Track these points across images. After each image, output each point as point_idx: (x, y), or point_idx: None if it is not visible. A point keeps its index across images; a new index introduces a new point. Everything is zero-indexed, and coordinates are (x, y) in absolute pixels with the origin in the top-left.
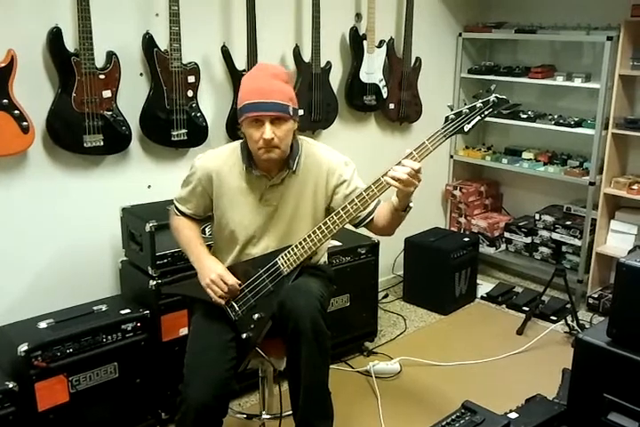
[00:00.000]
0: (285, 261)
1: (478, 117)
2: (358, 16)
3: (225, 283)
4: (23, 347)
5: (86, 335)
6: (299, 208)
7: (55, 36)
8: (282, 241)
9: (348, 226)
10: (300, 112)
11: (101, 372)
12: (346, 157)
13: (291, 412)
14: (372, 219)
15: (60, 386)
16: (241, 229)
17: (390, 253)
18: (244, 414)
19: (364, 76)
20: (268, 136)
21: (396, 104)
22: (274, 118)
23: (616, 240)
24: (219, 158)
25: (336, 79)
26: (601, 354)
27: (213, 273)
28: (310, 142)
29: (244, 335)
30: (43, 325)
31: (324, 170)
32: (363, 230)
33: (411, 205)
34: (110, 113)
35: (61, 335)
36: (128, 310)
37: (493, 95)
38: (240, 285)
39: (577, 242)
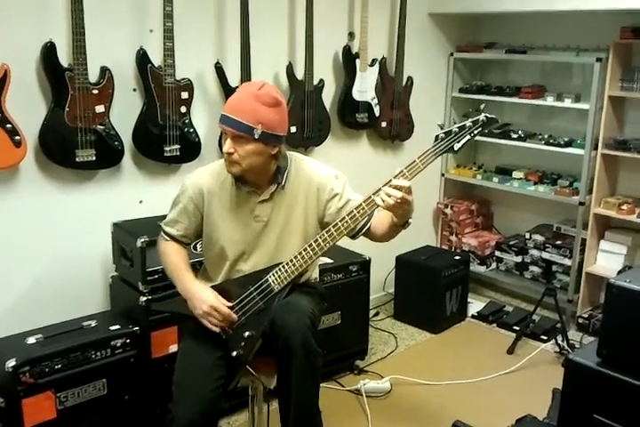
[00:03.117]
0: (276, 279)
1: (468, 137)
2: (351, 35)
3: (219, 312)
4: (11, 362)
5: (75, 351)
6: (289, 223)
7: (49, 51)
8: (272, 257)
9: (344, 238)
10: (293, 129)
11: (90, 388)
12: (336, 171)
13: None
14: (369, 228)
15: (47, 402)
16: (231, 245)
17: (381, 271)
18: None
19: (357, 94)
20: (225, 149)
21: (387, 122)
22: (235, 135)
23: (606, 260)
24: (209, 175)
25: (329, 97)
26: (591, 375)
27: (205, 304)
28: (300, 158)
29: (235, 353)
30: (31, 340)
31: (314, 185)
32: (355, 246)
33: (410, 221)
34: (103, 128)
35: (50, 351)
36: (117, 326)
37: (483, 114)
38: (233, 307)
39: (567, 261)
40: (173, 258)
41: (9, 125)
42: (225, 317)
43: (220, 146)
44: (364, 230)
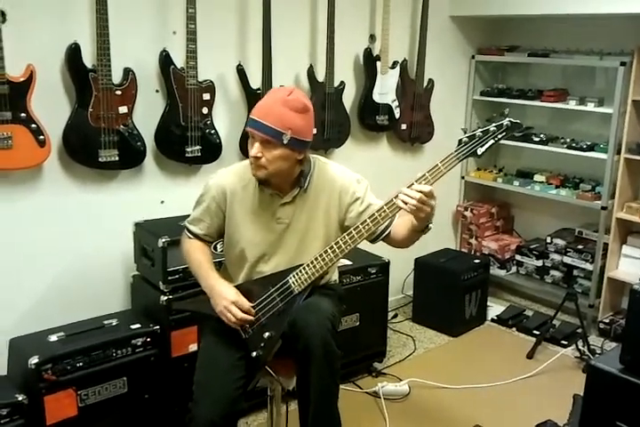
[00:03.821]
0: (297, 280)
1: (492, 141)
2: (372, 37)
3: (240, 309)
4: (33, 360)
5: (96, 349)
6: (310, 226)
7: (74, 52)
8: (293, 259)
9: (363, 242)
10: (313, 131)
11: (110, 386)
12: (358, 175)
13: None
14: (389, 233)
15: (68, 400)
16: (252, 246)
17: (400, 273)
18: None
19: (377, 97)
20: (252, 153)
21: (408, 125)
22: (264, 140)
23: (627, 265)
24: (232, 176)
25: (349, 99)
26: (613, 381)
27: (226, 300)
28: (323, 161)
29: (254, 354)
30: (53, 338)
31: (336, 188)
32: (374, 248)
33: (430, 226)
34: (126, 128)
35: (71, 349)
36: (138, 325)
37: (507, 119)
38: (254, 307)
39: (588, 266)
40: (197, 256)
41: (34, 125)
42: (245, 311)
43: (241, 148)
44: (384, 235)
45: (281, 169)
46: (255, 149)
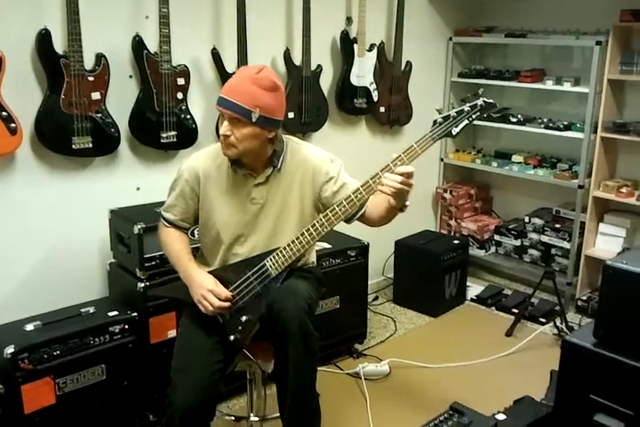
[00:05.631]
0: (274, 264)
1: (466, 121)
2: (349, 20)
3: (218, 297)
4: (9, 349)
5: (73, 337)
6: (285, 206)
7: (44, 38)
8: (269, 239)
9: (342, 225)
10: (291, 115)
11: (89, 374)
12: (331, 155)
13: (278, 414)
14: (364, 213)
15: (46, 388)
16: (227, 228)
17: (380, 256)
18: (231, 416)
19: (355, 80)
20: (222, 132)
21: (386, 107)
22: (232, 118)
23: (605, 243)
24: (205, 158)
25: (327, 82)
26: (587, 355)
27: (204, 289)
28: (296, 141)
29: (232, 337)
30: (30, 327)
31: (309, 168)
32: (354, 231)
33: (407, 203)
34: (99, 115)
35: (48, 337)
36: (116, 313)
37: (481, 99)
38: (231, 291)
39: (566, 245)
40: (174, 245)
41: (4, 113)
42: (223, 299)
43: (218, 131)
44: (358, 215)
45: (251, 148)
46: (224, 127)
